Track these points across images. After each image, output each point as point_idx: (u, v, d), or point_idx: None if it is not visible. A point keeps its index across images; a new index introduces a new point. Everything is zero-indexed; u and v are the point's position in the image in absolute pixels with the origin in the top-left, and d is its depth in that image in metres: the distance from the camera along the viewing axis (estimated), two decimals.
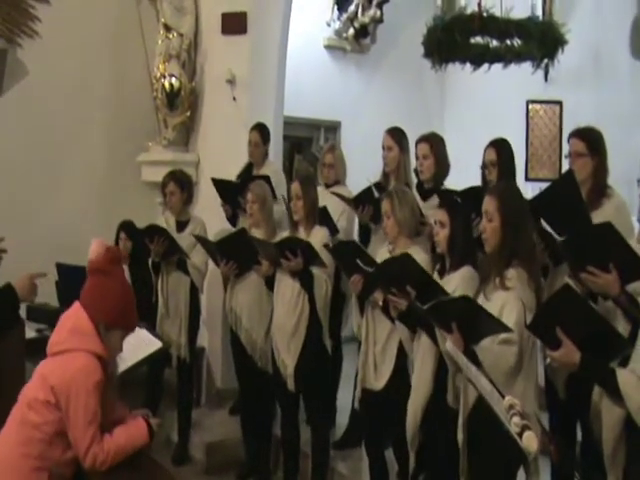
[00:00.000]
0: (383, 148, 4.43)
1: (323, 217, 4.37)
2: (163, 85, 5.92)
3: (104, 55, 6.15)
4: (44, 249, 5.37)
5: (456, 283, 3.18)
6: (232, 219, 5.17)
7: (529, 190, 6.22)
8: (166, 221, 5.05)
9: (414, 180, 4.38)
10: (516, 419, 2.31)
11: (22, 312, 4.25)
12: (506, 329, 2.70)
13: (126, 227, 5.10)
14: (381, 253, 3.74)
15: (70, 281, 4.68)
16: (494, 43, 5.80)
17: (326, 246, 4.02)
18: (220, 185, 5.09)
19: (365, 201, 4.25)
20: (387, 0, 7.90)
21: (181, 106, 5.96)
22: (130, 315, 2.91)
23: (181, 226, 5.03)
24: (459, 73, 6.44)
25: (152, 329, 4.25)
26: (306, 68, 7.34)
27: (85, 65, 6.02)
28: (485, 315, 2.72)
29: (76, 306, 2.85)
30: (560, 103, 7.47)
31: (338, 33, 7.89)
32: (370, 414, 3.84)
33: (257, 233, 4.48)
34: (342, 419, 4.82)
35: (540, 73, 6.48)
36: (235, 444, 4.89)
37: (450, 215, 3.29)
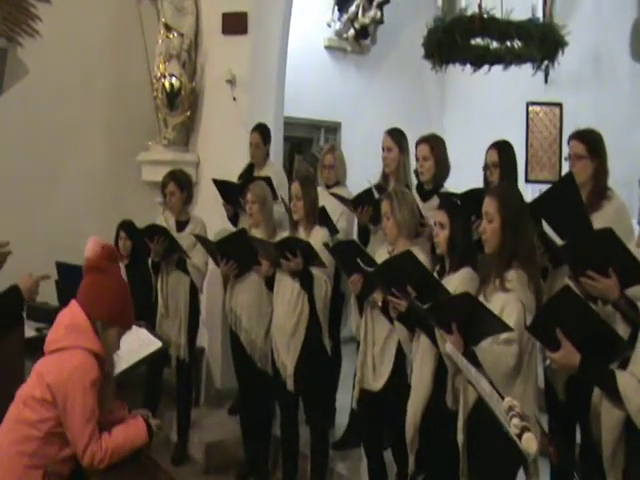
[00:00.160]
0: (383, 149, 4.44)
1: (322, 217, 4.37)
2: (163, 85, 5.92)
3: (104, 54, 6.15)
4: (44, 248, 5.37)
5: (455, 284, 3.17)
6: (233, 219, 5.17)
7: (529, 192, 6.24)
8: (166, 221, 5.05)
9: (414, 181, 4.39)
10: (516, 420, 2.30)
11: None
12: (506, 328, 2.70)
13: (126, 226, 5.11)
14: (380, 254, 3.74)
15: (70, 280, 4.67)
16: (494, 45, 5.79)
17: (326, 245, 4.02)
18: (221, 186, 5.09)
19: (365, 202, 4.25)
20: (387, 1, 7.91)
21: (181, 106, 5.96)
22: (127, 312, 2.91)
23: (181, 226, 5.03)
24: (459, 74, 6.43)
25: (152, 329, 4.25)
26: (306, 69, 7.35)
27: (85, 64, 6.02)
28: (486, 312, 2.72)
29: (73, 304, 2.85)
30: (560, 105, 7.46)
31: (338, 34, 7.90)
32: (369, 415, 3.84)
33: (257, 233, 4.48)
34: (341, 419, 4.82)
35: (540, 75, 6.47)
36: (234, 444, 4.90)
37: (450, 216, 3.29)
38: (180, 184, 4.99)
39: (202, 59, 6.08)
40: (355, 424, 4.47)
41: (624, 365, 2.41)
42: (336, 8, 7.85)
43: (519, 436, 2.27)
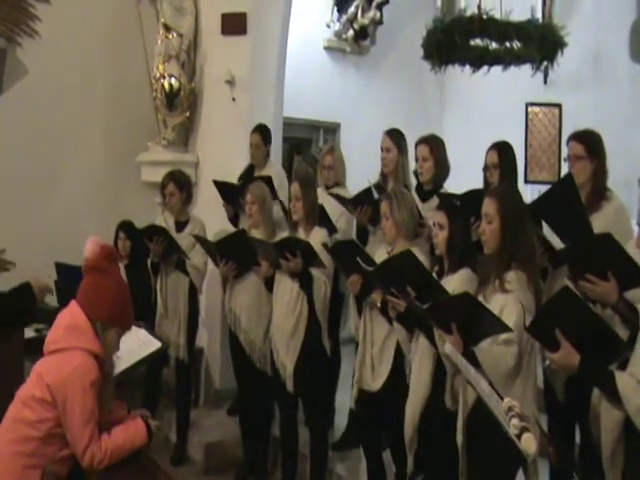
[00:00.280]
0: (382, 149, 4.44)
1: (321, 217, 4.37)
2: (162, 85, 5.92)
3: (104, 55, 6.15)
4: (43, 249, 5.37)
5: (454, 285, 3.17)
6: (234, 219, 5.18)
7: (528, 193, 6.24)
8: (165, 221, 5.05)
9: (413, 182, 4.39)
10: (515, 421, 2.30)
11: None
12: (506, 328, 2.70)
13: (125, 227, 5.11)
14: (379, 254, 3.74)
15: (69, 281, 4.66)
16: (494, 45, 5.80)
17: (324, 246, 4.02)
18: (221, 187, 5.09)
19: (364, 202, 4.25)
20: (387, 2, 7.92)
21: (180, 106, 5.96)
22: (127, 313, 2.91)
23: (180, 226, 5.03)
24: (458, 75, 6.44)
25: (151, 329, 4.25)
26: (305, 69, 7.35)
27: (85, 65, 6.02)
28: (485, 313, 2.72)
29: (72, 304, 2.85)
30: (559, 106, 7.47)
31: (338, 34, 7.90)
32: (367, 415, 3.84)
33: (256, 234, 4.48)
34: (341, 420, 4.82)
35: (539, 76, 6.48)
36: (233, 445, 4.90)
37: (449, 217, 3.29)
38: (179, 184, 4.99)
39: (201, 59, 6.08)
40: (354, 425, 4.47)
41: (623, 366, 2.42)
42: (335, 9, 7.85)
43: (518, 436, 2.27)
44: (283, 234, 4.37)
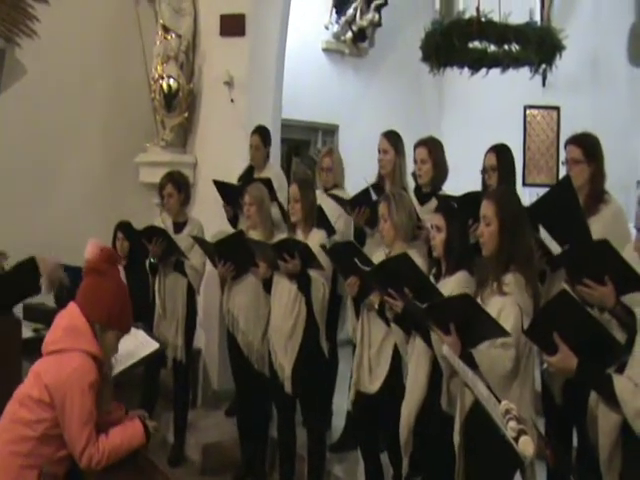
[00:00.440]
0: (379, 151, 4.43)
1: (319, 218, 4.37)
2: (161, 86, 5.92)
3: (102, 56, 6.14)
4: (42, 249, 5.31)
5: (451, 287, 3.18)
6: (233, 220, 5.18)
7: (526, 195, 6.25)
8: (163, 222, 5.05)
9: (411, 183, 4.39)
10: (512, 424, 2.30)
11: (19, 312, 4.28)
12: (504, 332, 2.71)
13: (123, 228, 5.10)
14: (377, 256, 3.73)
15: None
16: (492, 48, 5.81)
17: (323, 247, 4.02)
18: (221, 187, 5.09)
19: (362, 202, 4.25)
20: (385, 4, 7.93)
21: (179, 107, 5.96)
22: (126, 315, 2.91)
23: (178, 227, 5.02)
24: (457, 77, 6.45)
25: (149, 330, 4.24)
26: (304, 71, 7.34)
27: (83, 65, 6.01)
28: (483, 315, 2.73)
29: (71, 306, 2.86)
30: (557, 109, 7.49)
31: (336, 36, 7.91)
32: (365, 417, 3.84)
33: (255, 235, 4.48)
34: (338, 422, 4.82)
35: (538, 78, 6.48)
36: (231, 446, 4.89)
37: (446, 219, 3.29)
38: (178, 185, 4.99)
39: (200, 60, 6.08)
40: (351, 426, 4.47)
41: (621, 369, 2.42)
42: (334, 10, 7.86)
43: (516, 439, 2.27)
44: (281, 235, 4.38)
